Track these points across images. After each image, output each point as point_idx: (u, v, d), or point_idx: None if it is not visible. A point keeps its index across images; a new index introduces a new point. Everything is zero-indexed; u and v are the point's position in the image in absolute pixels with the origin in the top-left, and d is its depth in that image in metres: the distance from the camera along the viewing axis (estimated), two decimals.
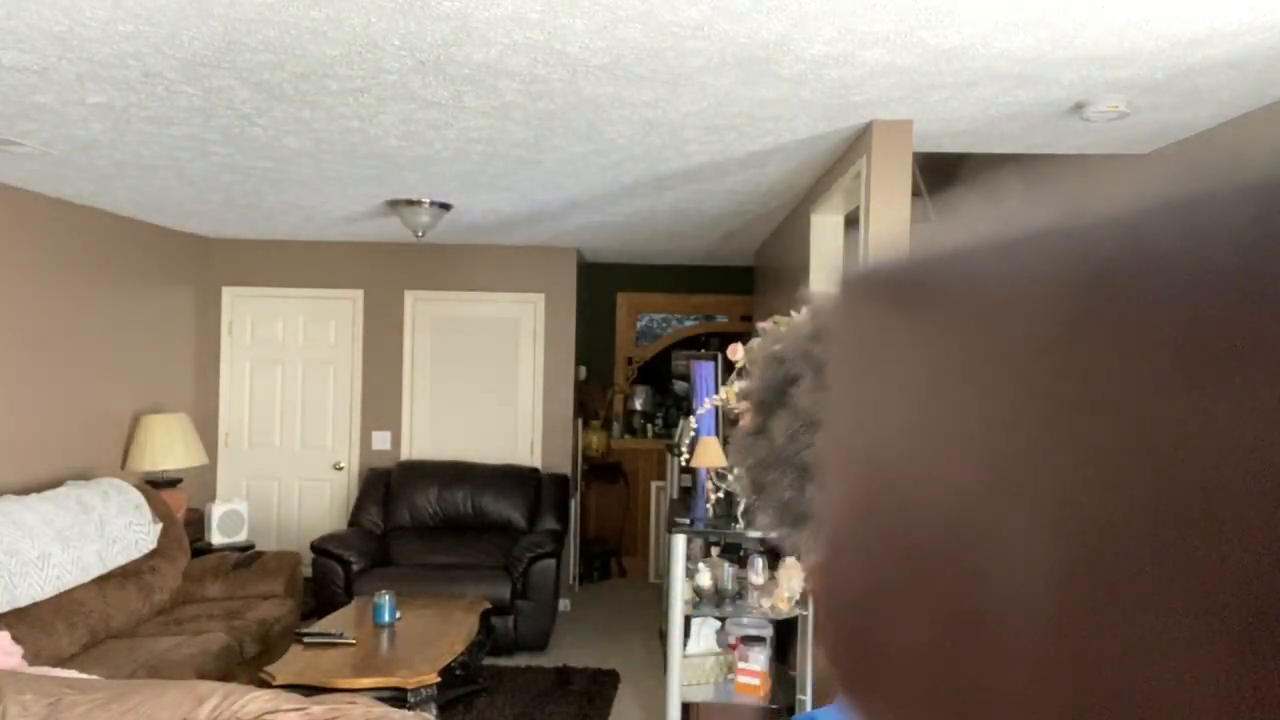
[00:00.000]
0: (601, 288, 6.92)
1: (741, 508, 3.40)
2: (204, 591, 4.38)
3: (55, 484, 4.14)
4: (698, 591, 3.33)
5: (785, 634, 3.56)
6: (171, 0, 1.93)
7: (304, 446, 5.81)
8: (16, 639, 3.17)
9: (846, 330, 0.23)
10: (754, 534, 3.35)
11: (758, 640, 3.37)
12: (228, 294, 5.78)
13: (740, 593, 3.36)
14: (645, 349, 7.17)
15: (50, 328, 4.28)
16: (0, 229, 3.95)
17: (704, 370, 4.34)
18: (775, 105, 2.61)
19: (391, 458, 5.75)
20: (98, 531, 3.87)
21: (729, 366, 3.38)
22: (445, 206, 4.28)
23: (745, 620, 3.47)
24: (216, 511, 5.08)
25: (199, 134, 3.05)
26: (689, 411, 4.18)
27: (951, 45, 2.12)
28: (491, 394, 5.83)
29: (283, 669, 3.31)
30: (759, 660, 3.29)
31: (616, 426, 6.83)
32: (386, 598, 3.90)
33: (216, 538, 5.03)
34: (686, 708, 3.38)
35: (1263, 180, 0.13)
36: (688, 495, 4.26)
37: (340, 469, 5.78)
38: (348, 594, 4.62)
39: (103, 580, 3.87)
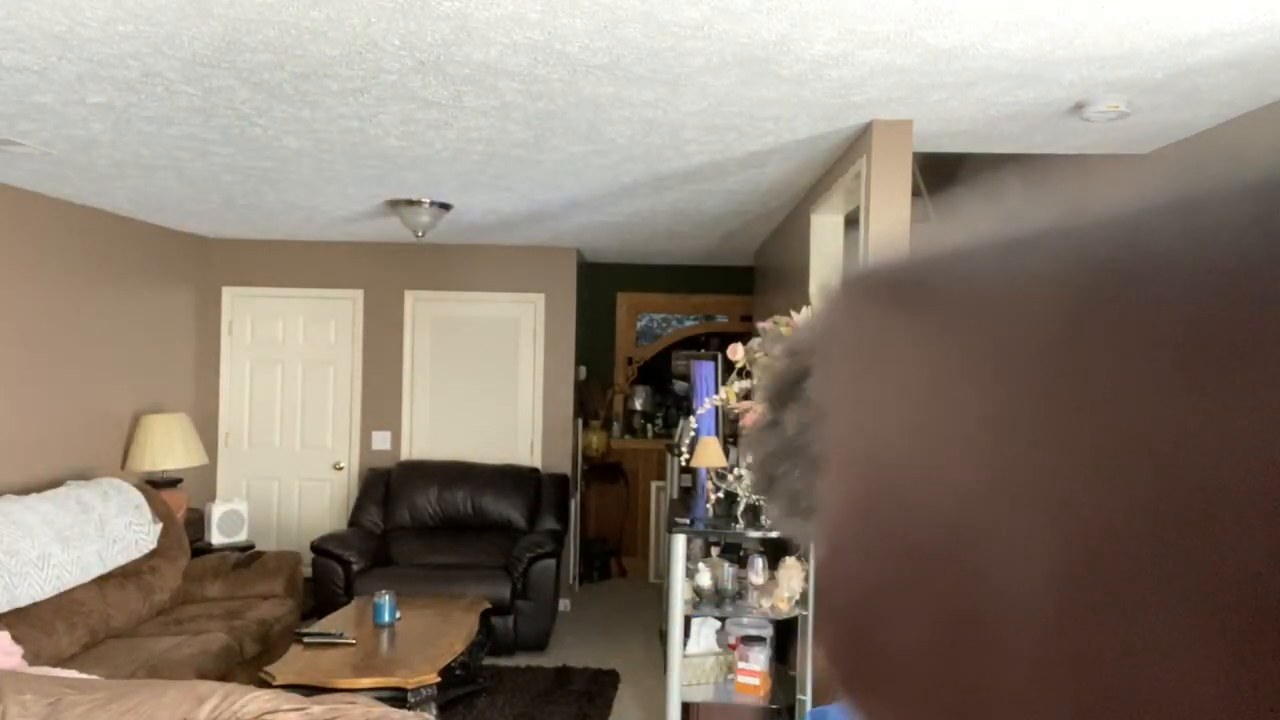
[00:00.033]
0: (601, 288, 6.92)
1: (741, 508, 3.40)
2: (204, 591, 4.38)
3: (55, 484, 4.14)
4: (698, 591, 3.33)
5: (785, 634, 3.56)
6: (171, 0, 1.93)
7: (304, 446, 5.81)
8: (16, 639, 3.17)
9: (847, 330, 0.23)
10: (754, 534, 3.35)
11: (758, 640, 3.37)
12: (228, 294, 5.78)
13: (740, 593, 3.36)
14: (645, 349, 7.17)
15: (50, 328, 4.28)
16: (0, 229, 3.95)
17: (704, 370, 4.34)
18: (775, 105, 2.61)
19: (391, 458, 5.75)
20: (98, 531, 3.87)
21: (729, 366, 3.38)
22: (445, 206, 4.28)
23: (745, 620, 3.47)
24: (216, 511, 5.08)
25: (199, 134, 3.05)
26: (689, 411, 4.18)
27: (951, 45, 2.12)
28: (491, 394, 5.83)
29: (283, 669, 3.31)
30: (759, 660, 3.29)
31: (616, 426, 6.83)
32: (386, 598, 3.90)
33: (216, 538, 5.04)
34: (686, 708, 3.38)
35: (1263, 180, 0.13)
36: (688, 495, 4.26)
37: (340, 469, 5.79)
38: (348, 594, 4.62)
39: (103, 580, 3.87)
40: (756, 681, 3.27)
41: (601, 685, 4.38)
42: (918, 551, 0.19)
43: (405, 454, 5.78)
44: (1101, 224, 0.15)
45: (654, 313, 7.17)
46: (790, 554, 3.31)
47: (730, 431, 3.81)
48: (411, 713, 2.63)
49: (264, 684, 3.10)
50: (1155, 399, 0.14)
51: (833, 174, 3.32)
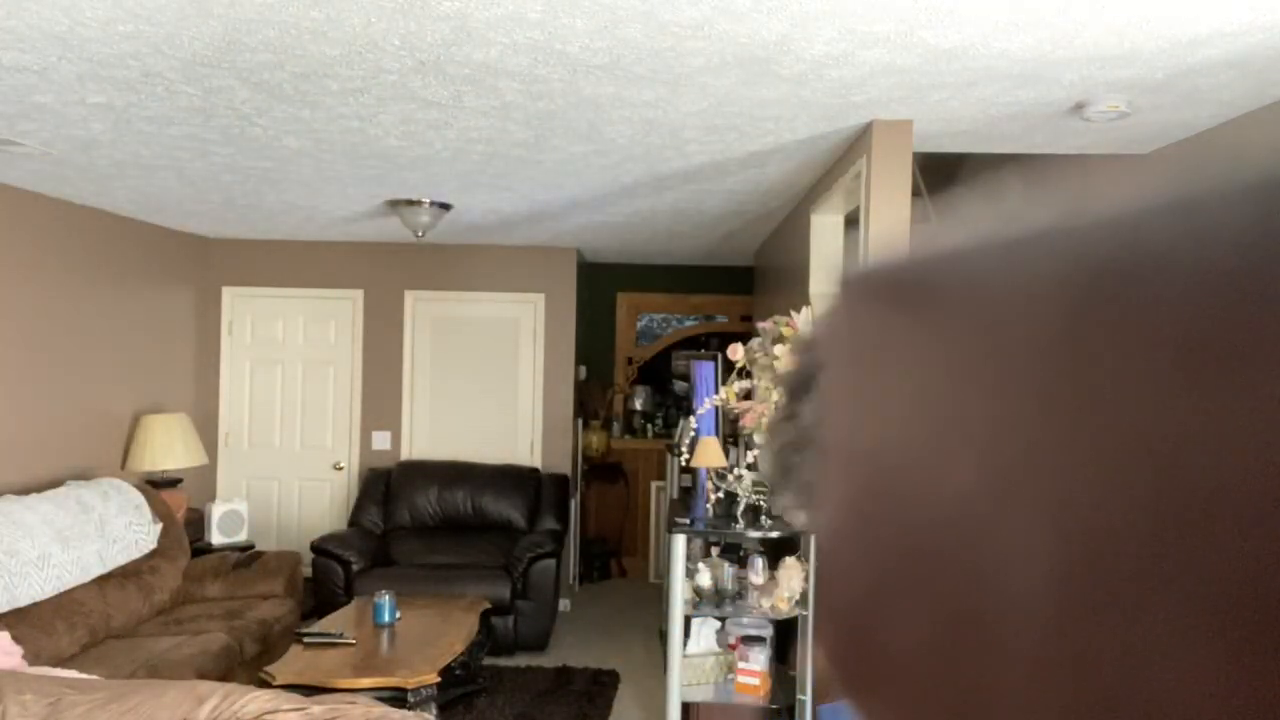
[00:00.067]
0: (601, 288, 6.92)
1: (741, 508, 3.40)
2: (204, 591, 4.38)
3: (55, 484, 4.14)
4: (698, 591, 3.33)
5: (785, 634, 3.56)
6: (171, 0, 1.93)
7: (304, 446, 5.81)
8: (16, 639, 3.18)
9: (847, 330, 0.23)
10: (754, 534, 3.35)
11: (758, 640, 3.37)
12: (228, 294, 5.78)
13: (740, 593, 3.35)
14: (645, 349, 7.17)
15: (50, 328, 4.28)
16: (0, 229, 3.95)
17: (704, 370, 4.34)
18: (775, 105, 2.61)
19: (391, 458, 5.75)
20: (98, 531, 3.87)
21: (729, 366, 3.38)
22: (445, 206, 4.28)
23: (745, 620, 3.47)
24: (216, 511, 5.08)
25: (199, 134, 3.05)
26: (689, 411, 4.18)
27: (951, 45, 2.12)
28: (491, 394, 5.83)
29: (283, 669, 3.31)
30: (759, 660, 3.29)
31: (616, 426, 6.83)
32: (386, 598, 3.90)
33: (216, 538, 5.03)
34: (686, 708, 3.38)
35: (1263, 180, 0.13)
36: (688, 495, 4.26)
37: (340, 469, 5.79)
38: (348, 594, 4.62)
39: (103, 580, 3.87)
40: (756, 681, 3.27)
41: (601, 685, 4.38)
42: (918, 551, 0.19)
43: (405, 454, 5.78)
44: (1101, 224, 0.15)
45: (654, 313, 7.17)
46: (790, 554, 3.31)
47: (730, 431, 3.81)
48: (411, 713, 2.63)
49: (264, 684, 3.10)
50: (1155, 399, 0.14)
51: (833, 174, 3.32)
